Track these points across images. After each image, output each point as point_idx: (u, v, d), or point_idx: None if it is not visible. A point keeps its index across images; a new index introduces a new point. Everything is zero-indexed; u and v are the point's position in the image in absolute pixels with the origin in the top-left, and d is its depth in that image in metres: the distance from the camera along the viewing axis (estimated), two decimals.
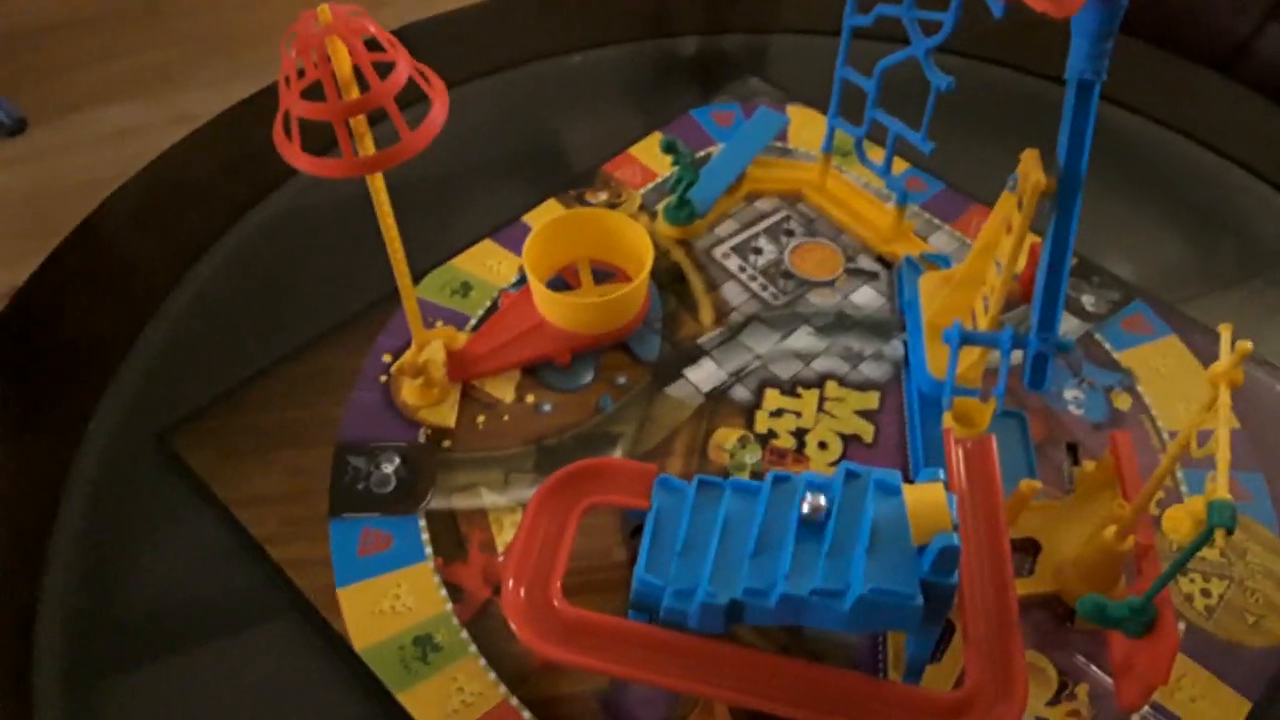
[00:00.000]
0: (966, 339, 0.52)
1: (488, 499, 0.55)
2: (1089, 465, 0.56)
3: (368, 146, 0.45)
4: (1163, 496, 0.56)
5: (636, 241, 0.63)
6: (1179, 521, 0.38)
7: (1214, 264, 0.73)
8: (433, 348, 0.59)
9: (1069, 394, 0.61)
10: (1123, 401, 0.61)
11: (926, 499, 0.42)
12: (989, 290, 0.56)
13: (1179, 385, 0.62)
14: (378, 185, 0.47)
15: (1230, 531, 0.35)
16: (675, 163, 0.67)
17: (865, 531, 0.43)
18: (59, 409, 0.60)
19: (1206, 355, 0.63)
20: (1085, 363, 0.63)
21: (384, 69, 0.42)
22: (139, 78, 1.78)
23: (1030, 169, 0.49)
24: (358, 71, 0.42)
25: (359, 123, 0.45)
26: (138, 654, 0.51)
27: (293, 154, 0.43)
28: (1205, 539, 0.36)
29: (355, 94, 0.42)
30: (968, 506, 0.50)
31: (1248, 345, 0.39)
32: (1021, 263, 0.54)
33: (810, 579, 0.43)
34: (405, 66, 0.43)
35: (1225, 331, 0.41)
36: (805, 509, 0.45)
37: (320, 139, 0.45)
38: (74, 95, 1.75)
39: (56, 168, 1.62)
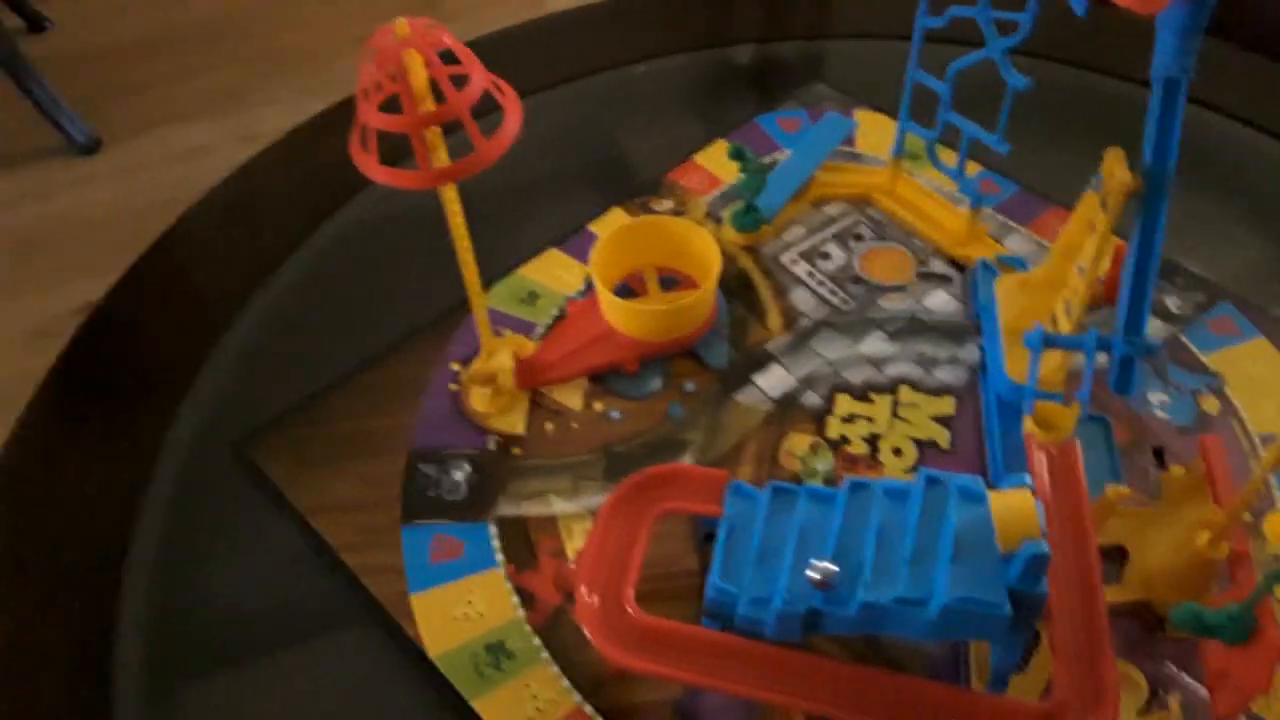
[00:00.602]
0: (1049, 342, 0.51)
1: (557, 506, 0.55)
2: (1177, 470, 0.54)
3: (442, 158, 0.46)
4: (1255, 503, 0.54)
5: (703, 248, 0.62)
6: None
7: None
8: (501, 356, 0.59)
9: (1154, 398, 0.59)
10: (1210, 405, 0.59)
11: (1014, 505, 0.41)
12: (1071, 293, 0.54)
13: (1269, 388, 0.59)
14: (450, 196, 0.48)
15: None
16: (743, 169, 0.66)
17: (949, 538, 0.42)
18: (138, 421, 0.62)
19: None
20: (1171, 366, 0.61)
21: (458, 81, 0.43)
22: (210, 97, 1.83)
23: (1116, 168, 0.48)
24: (433, 84, 0.43)
25: (434, 134, 0.46)
26: (215, 662, 0.51)
27: (370, 166, 0.43)
28: None
29: (431, 106, 0.43)
30: (1053, 512, 0.48)
31: None
32: (1105, 265, 0.53)
33: (893, 587, 0.42)
34: (480, 78, 0.43)
35: None
36: (816, 576, 0.42)
37: (389, 150, 0.45)
38: (146, 115, 1.80)
39: (130, 186, 1.67)
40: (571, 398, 0.60)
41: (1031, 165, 0.72)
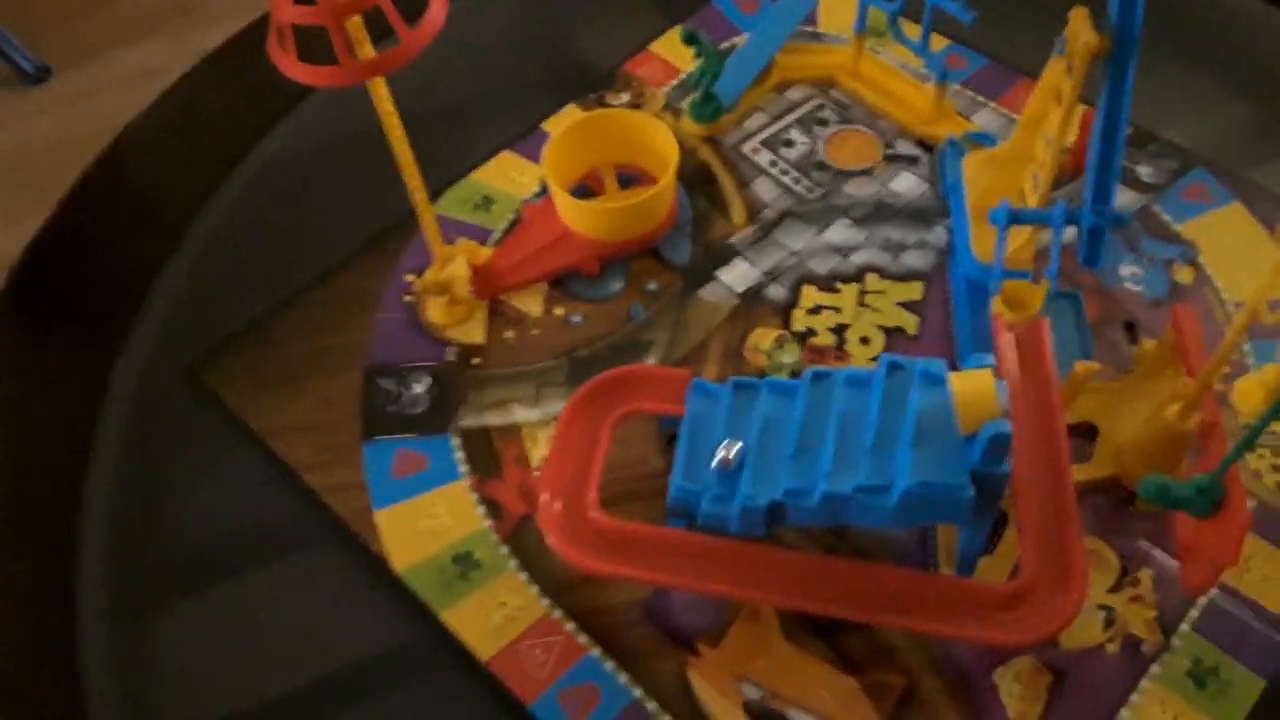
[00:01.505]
0: (1015, 218, 0.49)
1: (520, 414, 0.54)
2: (1149, 343, 0.53)
3: (367, 53, 0.43)
4: (1228, 372, 0.53)
5: (660, 141, 0.60)
6: (1250, 393, 0.35)
7: (1277, 126, 0.68)
8: (455, 264, 0.57)
9: (1126, 270, 0.58)
10: (1184, 275, 0.57)
11: (973, 386, 0.40)
12: (1038, 166, 0.52)
13: (1244, 255, 0.58)
14: (380, 93, 0.45)
15: None
16: (697, 55, 0.63)
17: (910, 424, 0.41)
18: (88, 347, 0.60)
19: (1273, 221, 0.59)
20: (1143, 236, 0.59)
21: None
22: (157, 15, 1.76)
23: (1080, 28, 0.45)
24: None
25: (356, 29, 0.43)
26: (178, 587, 0.51)
27: (288, 64, 0.41)
28: (1278, 411, 0.33)
29: None
30: (1020, 393, 0.47)
31: None
32: (1073, 134, 0.51)
33: (854, 475, 0.41)
34: None
35: None
36: (721, 455, 0.44)
37: (329, 57, 0.42)
38: (94, 39, 1.73)
39: (82, 112, 1.62)
40: (531, 304, 0.59)
41: (1000, 36, 0.69)
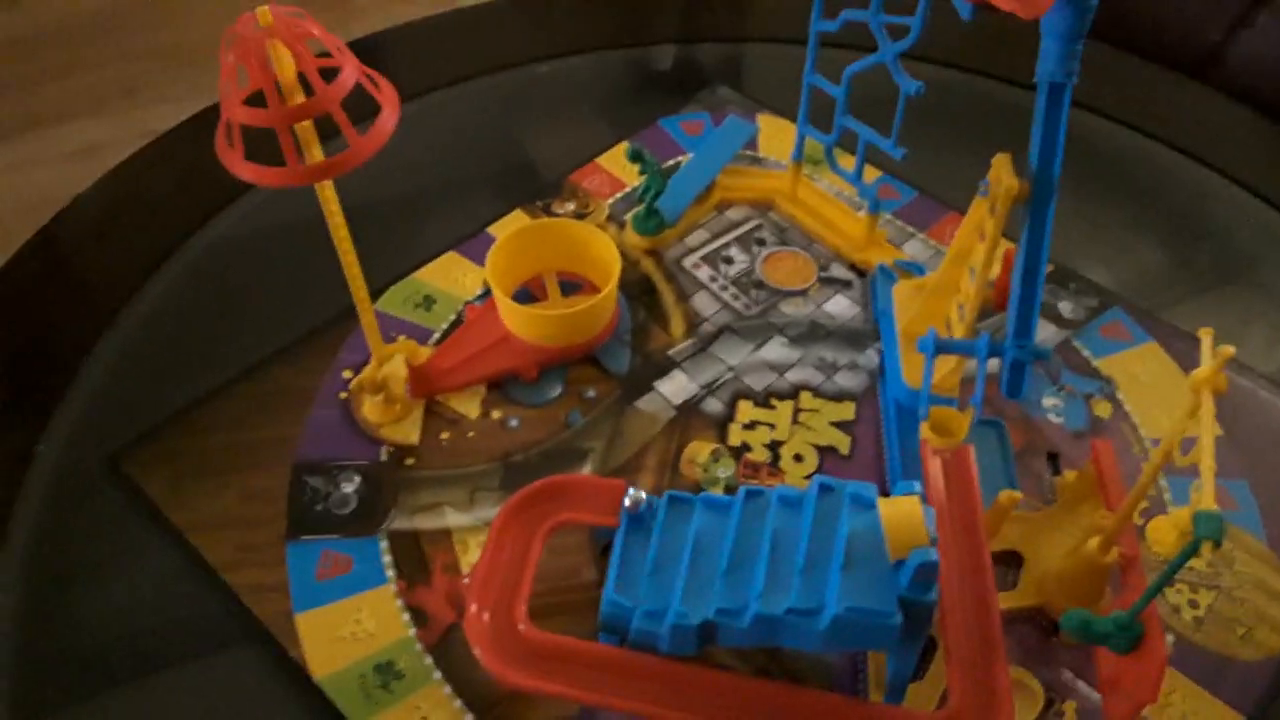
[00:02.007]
0: (941, 347, 0.51)
1: (452, 519, 0.53)
2: (1070, 475, 0.55)
3: (315, 156, 0.44)
4: (1147, 506, 0.55)
5: (603, 252, 0.61)
6: (1164, 534, 0.36)
7: (1191, 269, 0.72)
8: (393, 363, 0.57)
9: (1048, 402, 0.60)
10: (1103, 409, 0.60)
11: (902, 513, 0.40)
12: (964, 298, 0.54)
13: (1160, 392, 0.61)
14: (327, 194, 0.46)
15: (1218, 544, 0.34)
16: (642, 171, 0.65)
17: (840, 547, 0.42)
18: (8, 429, 0.58)
19: (1187, 361, 0.62)
20: (1064, 370, 0.62)
21: (331, 76, 0.41)
22: (102, 93, 1.75)
23: (1002, 173, 0.48)
24: (302, 78, 0.41)
25: (306, 131, 0.44)
26: (89, 686, 0.48)
27: (235, 163, 0.41)
28: (1192, 552, 0.35)
29: (300, 99, 0.41)
30: (946, 519, 0.48)
31: (1229, 350, 0.37)
32: (996, 269, 0.53)
33: (785, 598, 0.41)
34: (352, 71, 0.41)
35: (1206, 336, 0.40)
36: (627, 502, 0.46)
37: (275, 151, 0.43)
38: (38, 111, 1.71)
39: (21, 185, 1.59)
40: (468, 406, 0.58)
41: (929, 170, 0.72)
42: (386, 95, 0.43)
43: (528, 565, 0.46)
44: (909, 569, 0.40)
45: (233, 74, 0.39)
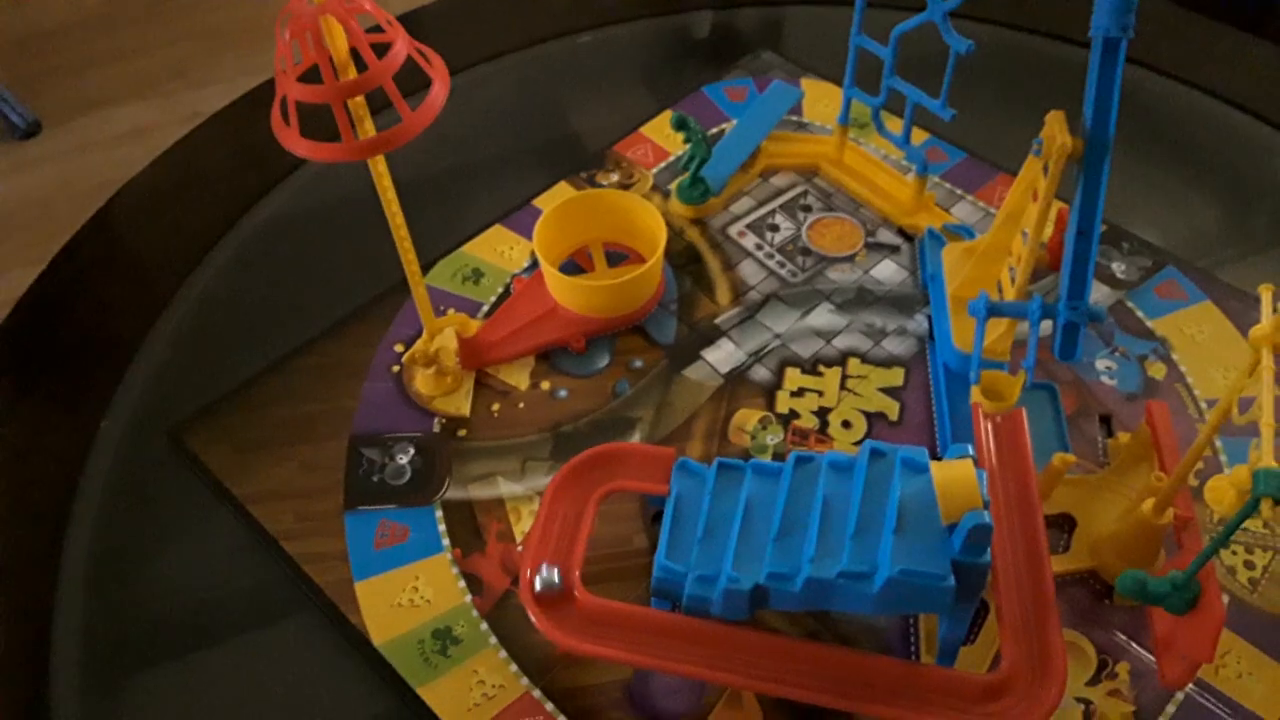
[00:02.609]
0: (993, 310, 0.51)
1: (505, 488, 0.54)
2: (1124, 437, 0.54)
3: (368, 130, 0.44)
4: (1201, 468, 0.54)
5: (649, 222, 0.61)
6: (1222, 493, 0.36)
7: (1247, 227, 0.70)
8: (444, 336, 0.58)
9: (1101, 364, 0.59)
10: (1157, 370, 0.59)
11: (955, 476, 0.40)
12: (1015, 260, 0.54)
13: (1215, 352, 0.60)
14: (380, 170, 0.46)
15: (1278, 501, 0.33)
16: (686, 140, 0.65)
17: (893, 511, 0.42)
18: (73, 407, 0.60)
19: (1243, 320, 0.61)
20: (1117, 331, 0.61)
21: (383, 50, 0.41)
22: (151, 76, 1.78)
23: (1056, 131, 0.47)
24: (355, 53, 0.41)
25: (359, 106, 0.44)
26: (155, 654, 0.50)
27: (291, 139, 0.42)
28: (1251, 509, 0.34)
29: (353, 75, 0.41)
30: (999, 482, 0.48)
31: None
32: (1049, 230, 0.52)
33: (836, 561, 0.41)
34: (403, 45, 0.41)
35: (1266, 292, 0.39)
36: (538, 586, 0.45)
37: (329, 128, 0.43)
38: (87, 96, 1.75)
39: (73, 169, 1.62)
40: (518, 377, 0.59)
41: (978, 132, 0.71)
42: (437, 69, 0.43)
43: (581, 532, 0.47)
44: (962, 532, 0.40)
45: (288, 51, 0.40)
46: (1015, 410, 0.51)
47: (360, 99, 0.44)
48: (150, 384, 0.60)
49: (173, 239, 0.70)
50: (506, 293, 0.63)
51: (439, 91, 0.43)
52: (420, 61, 0.43)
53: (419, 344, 0.57)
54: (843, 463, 0.45)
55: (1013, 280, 0.53)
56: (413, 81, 0.44)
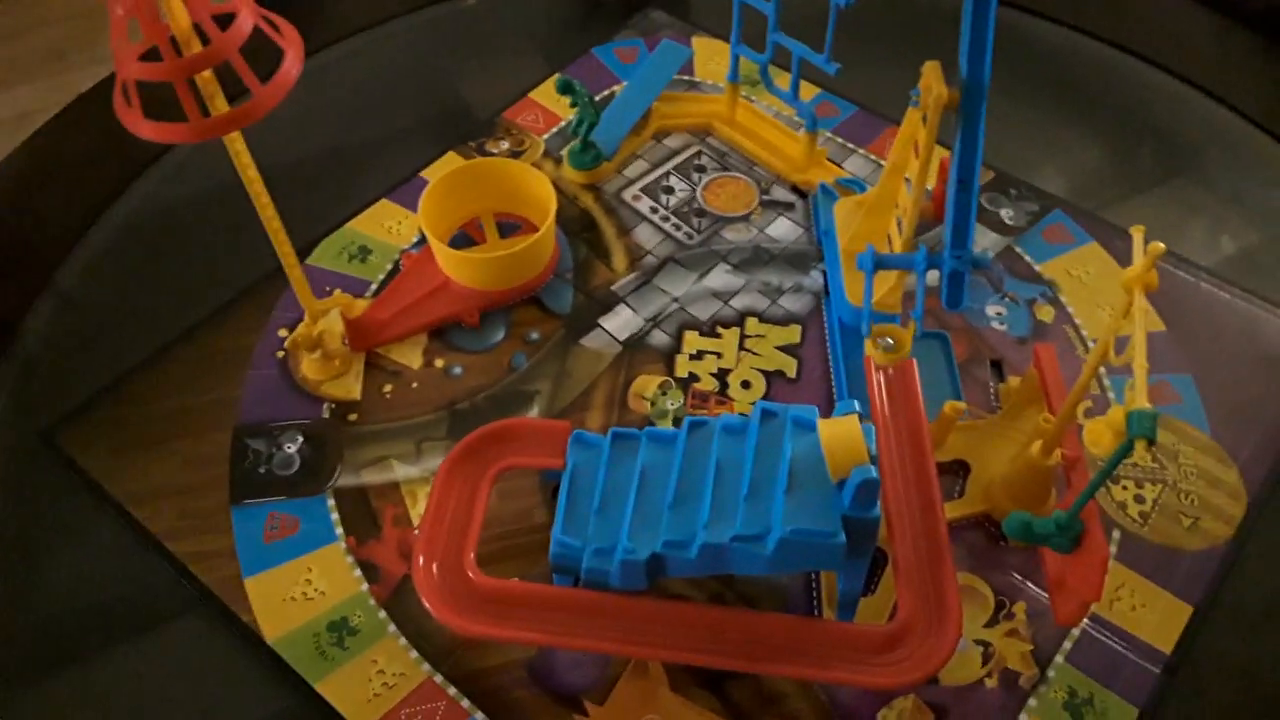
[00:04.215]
0: (879, 263, 0.50)
1: (400, 471, 0.52)
2: (1014, 381, 0.55)
3: (220, 108, 0.42)
4: (1090, 405, 0.55)
5: (538, 190, 0.60)
6: (1099, 434, 0.36)
7: (1133, 167, 0.72)
8: (329, 318, 0.56)
9: (992, 310, 0.60)
10: (1045, 314, 0.60)
11: (841, 433, 0.40)
12: (901, 211, 0.54)
13: (1102, 293, 0.61)
14: (237, 148, 0.44)
15: (1152, 441, 0.34)
16: (573, 104, 0.64)
17: (784, 471, 0.42)
18: None
19: (1127, 260, 0.62)
20: (1007, 277, 0.62)
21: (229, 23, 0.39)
22: (29, 60, 1.69)
23: (932, 81, 0.47)
24: (198, 27, 0.39)
25: (208, 83, 0.42)
26: (42, 663, 0.48)
27: (135, 122, 0.39)
28: (1126, 451, 0.35)
29: (197, 49, 0.39)
30: (891, 433, 0.48)
31: (1160, 246, 0.37)
32: (932, 180, 0.52)
33: (730, 525, 0.41)
34: (248, 15, 0.39)
35: (1137, 234, 0.39)
36: None
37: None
38: None
39: None
40: (410, 356, 0.57)
41: (868, 84, 0.71)
42: (289, 38, 0.41)
43: (474, 513, 0.46)
44: (850, 488, 0.40)
45: (123, 29, 0.37)
46: (906, 361, 0.51)
47: (209, 76, 0.41)
48: (21, 381, 0.57)
49: (42, 227, 0.66)
50: (396, 269, 0.62)
51: (292, 62, 0.41)
52: (269, 31, 0.40)
53: (301, 328, 0.55)
54: (735, 425, 0.45)
55: (900, 232, 0.53)
56: (270, 61, 0.41)
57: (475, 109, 0.72)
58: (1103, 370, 0.57)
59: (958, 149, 0.48)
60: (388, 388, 0.56)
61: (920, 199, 0.51)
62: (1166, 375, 0.57)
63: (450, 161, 0.68)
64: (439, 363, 0.57)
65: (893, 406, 0.50)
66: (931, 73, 0.48)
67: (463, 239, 0.62)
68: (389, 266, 0.62)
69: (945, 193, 0.50)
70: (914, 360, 0.51)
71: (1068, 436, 0.48)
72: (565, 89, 0.62)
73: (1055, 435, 0.47)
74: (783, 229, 0.64)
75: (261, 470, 0.52)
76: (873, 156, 0.68)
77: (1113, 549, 0.50)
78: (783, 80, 0.64)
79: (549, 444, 0.48)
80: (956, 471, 0.53)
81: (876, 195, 0.57)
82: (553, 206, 0.58)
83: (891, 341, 0.51)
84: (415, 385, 0.56)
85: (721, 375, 0.57)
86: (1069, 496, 0.48)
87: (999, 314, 0.60)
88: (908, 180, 0.52)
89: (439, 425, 0.54)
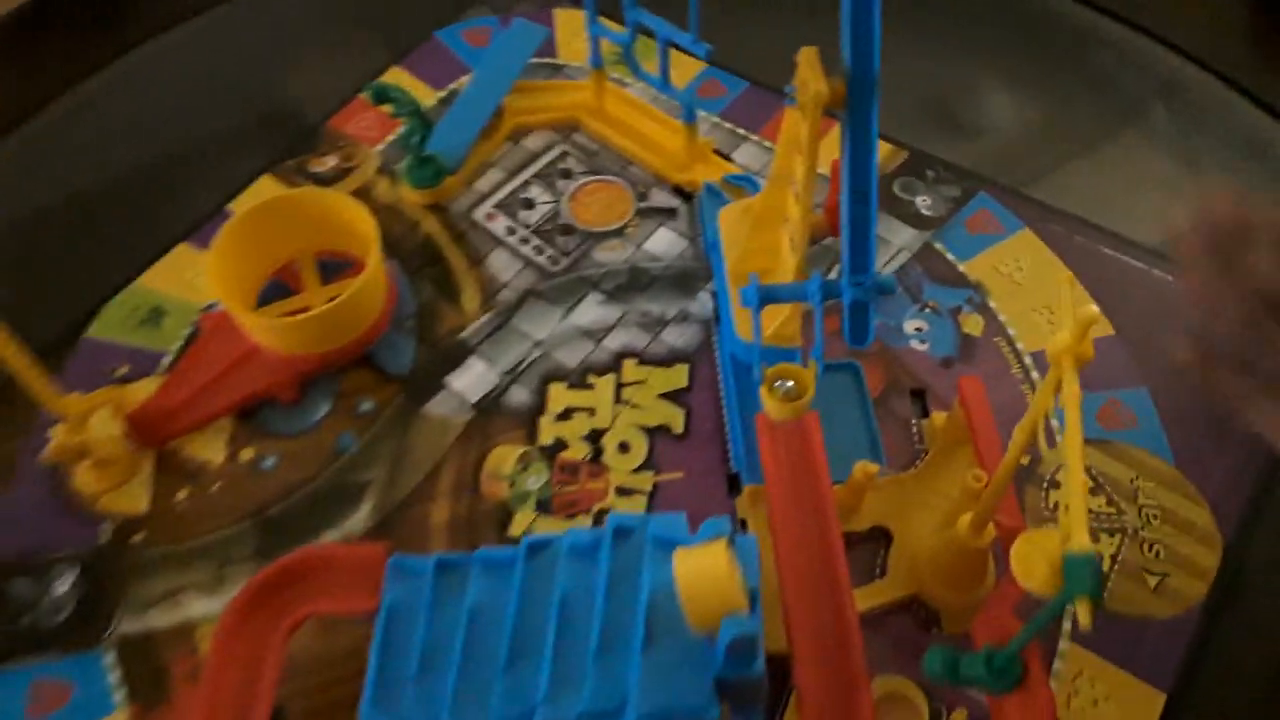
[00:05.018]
0: (767, 296, 0.41)
1: (197, 607, 0.43)
2: (939, 418, 0.46)
3: None
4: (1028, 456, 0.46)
5: (356, 221, 0.49)
6: (1031, 565, 0.27)
7: (1065, 128, 0.62)
8: (99, 416, 0.45)
9: (910, 325, 0.51)
10: (973, 325, 0.51)
11: (703, 570, 0.31)
12: (792, 225, 0.44)
13: (1036, 293, 0.52)
14: None
15: (1097, 599, 0.25)
16: (395, 114, 0.53)
17: (641, 615, 0.32)
18: None
19: (1065, 247, 0.53)
20: (926, 282, 0.52)
21: None
22: None
23: (808, 75, 0.37)
24: None
25: None
26: None
27: None
28: (1062, 606, 0.26)
29: None
30: (791, 510, 0.39)
31: (1093, 313, 0.27)
32: (815, 189, 0.42)
33: (575, 698, 0.32)
34: None
35: (1067, 289, 0.30)
36: None
37: None
38: None
39: None
40: (211, 448, 0.47)
41: (758, 55, 0.61)
42: None
43: (263, 679, 0.36)
44: (722, 643, 0.30)
45: None
46: (804, 418, 0.42)
47: None
48: None
49: None
50: (195, 334, 0.51)
51: None
52: None
53: (58, 434, 0.44)
54: (585, 545, 0.35)
55: (793, 249, 0.43)
56: None
57: (294, 118, 0.60)
58: (1038, 375, 0.48)
59: (847, 157, 0.38)
60: (182, 493, 0.46)
61: (809, 213, 0.41)
62: (1117, 391, 0.48)
63: (264, 189, 0.56)
64: (247, 454, 0.47)
65: (790, 475, 0.41)
66: (807, 64, 0.37)
67: (277, 290, 0.52)
68: (186, 330, 0.51)
69: (839, 204, 0.40)
70: (815, 414, 0.42)
71: (1005, 504, 0.39)
72: (380, 97, 0.51)
73: (984, 512, 0.38)
74: (664, 242, 0.54)
75: (25, 621, 0.42)
76: (768, 143, 0.58)
77: (1064, 624, 0.42)
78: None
79: (360, 578, 0.38)
80: (878, 539, 0.44)
81: (762, 205, 0.47)
82: (376, 242, 0.48)
83: (790, 385, 0.42)
84: (217, 487, 0.46)
85: (595, 437, 0.47)
86: (1005, 584, 0.39)
87: (919, 329, 0.50)
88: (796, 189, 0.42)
89: (245, 540, 0.44)
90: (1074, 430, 0.28)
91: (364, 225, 0.49)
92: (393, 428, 0.48)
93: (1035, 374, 0.48)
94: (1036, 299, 0.51)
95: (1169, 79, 0.63)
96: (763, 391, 0.42)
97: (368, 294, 0.49)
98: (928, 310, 0.51)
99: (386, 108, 0.53)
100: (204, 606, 0.42)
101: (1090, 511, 0.45)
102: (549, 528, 0.44)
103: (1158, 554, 0.44)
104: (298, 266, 0.52)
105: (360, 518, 0.45)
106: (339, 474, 0.46)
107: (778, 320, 0.46)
